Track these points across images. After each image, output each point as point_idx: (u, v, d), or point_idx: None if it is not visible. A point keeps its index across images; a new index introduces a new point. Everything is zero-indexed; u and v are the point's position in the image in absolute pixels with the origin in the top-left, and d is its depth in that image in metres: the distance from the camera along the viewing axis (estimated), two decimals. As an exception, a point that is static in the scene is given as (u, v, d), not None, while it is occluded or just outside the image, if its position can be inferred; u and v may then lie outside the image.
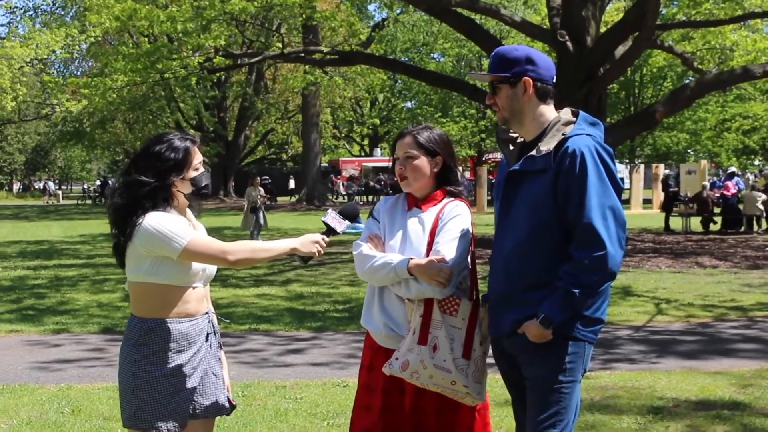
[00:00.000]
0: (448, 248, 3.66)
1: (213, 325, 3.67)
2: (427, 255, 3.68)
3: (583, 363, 3.50)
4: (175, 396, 3.45)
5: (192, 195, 3.56)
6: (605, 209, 3.33)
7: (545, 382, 3.46)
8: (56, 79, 30.63)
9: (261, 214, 21.79)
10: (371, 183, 51.73)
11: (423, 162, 3.78)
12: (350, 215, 3.72)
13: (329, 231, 3.69)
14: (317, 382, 7.32)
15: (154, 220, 3.42)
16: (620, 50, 17.90)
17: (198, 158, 3.56)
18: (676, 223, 25.58)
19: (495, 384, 3.81)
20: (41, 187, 72.80)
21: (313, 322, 10.29)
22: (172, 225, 3.42)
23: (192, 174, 3.53)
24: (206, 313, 3.64)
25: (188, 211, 3.68)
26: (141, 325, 3.46)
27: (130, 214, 3.46)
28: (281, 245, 3.57)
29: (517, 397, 3.72)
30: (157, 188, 3.47)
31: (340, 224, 3.68)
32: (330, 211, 3.71)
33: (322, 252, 3.62)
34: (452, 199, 3.84)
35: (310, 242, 3.59)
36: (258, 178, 24.10)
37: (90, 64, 52.17)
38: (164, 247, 3.41)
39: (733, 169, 32.16)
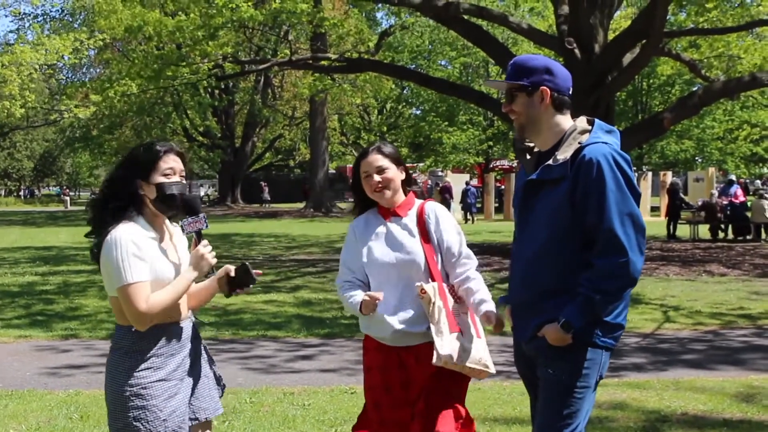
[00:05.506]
0: (458, 244, 4.08)
1: (195, 328, 3.71)
2: (425, 251, 3.99)
3: (599, 370, 3.54)
4: (171, 400, 3.46)
5: (158, 202, 3.50)
6: (624, 216, 3.38)
7: (558, 385, 3.50)
8: (75, 84, 30.75)
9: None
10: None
11: (394, 171, 4.08)
12: (196, 208, 3.65)
13: (198, 235, 3.62)
14: (325, 388, 7.34)
15: (120, 239, 3.37)
16: (628, 58, 17.89)
17: (168, 165, 3.52)
18: (683, 230, 25.52)
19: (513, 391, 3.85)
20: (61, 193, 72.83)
21: (322, 329, 10.30)
22: (130, 254, 3.35)
23: (159, 179, 3.49)
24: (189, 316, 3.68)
25: (168, 222, 3.64)
26: (132, 334, 3.45)
27: (105, 212, 3.46)
28: (182, 283, 3.50)
29: (536, 400, 3.75)
30: (125, 188, 3.47)
31: (198, 223, 3.60)
32: (182, 222, 3.63)
33: (214, 254, 3.58)
34: (422, 200, 4.18)
35: (199, 260, 3.52)
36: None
37: (98, 70, 52.35)
38: (111, 272, 3.37)
39: (731, 177, 32.02)
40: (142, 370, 3.43)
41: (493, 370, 3.93)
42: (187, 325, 3.62)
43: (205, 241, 3.58)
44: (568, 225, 3.44)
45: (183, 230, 3.61)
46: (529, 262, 3.57)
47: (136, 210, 3.50)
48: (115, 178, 3.54)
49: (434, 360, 3.84)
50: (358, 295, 4.00)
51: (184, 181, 3.62)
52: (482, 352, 3.90)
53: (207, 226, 3.62)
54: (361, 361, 3.89)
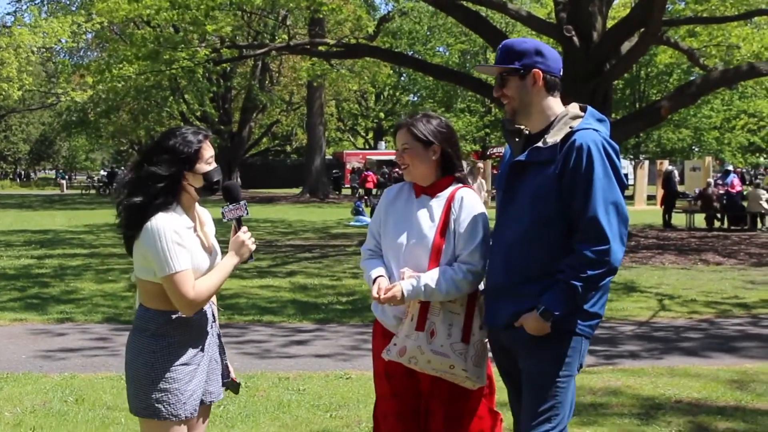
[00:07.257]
0: (466, 242, 3.72)
1: (213, 314, 3.74)
2: (437, 240, 3.72)
3: (579, 358, 3.51)
4: (190, 383, 3.51)
5: (203, 190, 3.54)
6: (609, 204, 3.34)
7: (542, 376, 3.47)
8: (66, 61, 30.57)
9: None
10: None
11: (419, 152, 3.79)
12: (237, 195, 3.69)
13: (238, 222, 3.66)
14: (320, 374, 7.34)
15: (163, 229, 3.38)
16: (626, 46, 17.86)
17: (210, 152, 3.54)
18: (679, 219, 25.55)
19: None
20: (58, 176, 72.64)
21: (317, 314, 10.31)
22: (174, 243, 3.38)
23: (205, 168, 3.51)
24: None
25: (197, 205, 3.67)
26: (159, 317, 3.49)
27: (144, 211, 3.43)
28: (225, 269, 3.56)
29: (513, 391, 3.73)
30: (169, 183, 3.45)
31: (239, 209, 3.65)
32: (223, 209, 3.66)
33: (254, 240, 3.63)
34: (460, 185, 3.84)
35: (240, 247, 3.59)
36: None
37: (95, 54, 52.14)
38: (154, 261, 3.39)
39: (728, 167, 32.06)
40: (168, 354, 3.48)
41: (477, 381, 3.70)
42: (208, 311, 3.65)
43: (244, 228, 3.63)
44: (553, 209, 3.40)
45: (223, 217, 3.65)
46: (512, 246, 3.50)
47: (177, 200, 3.52)
48: (160, 176, 3.44)
49: (383, 353, 3.75)
50: (375, 271, 3.79)
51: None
52: (458, 361, 3.62)
53: (247, 213, 3.66)
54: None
